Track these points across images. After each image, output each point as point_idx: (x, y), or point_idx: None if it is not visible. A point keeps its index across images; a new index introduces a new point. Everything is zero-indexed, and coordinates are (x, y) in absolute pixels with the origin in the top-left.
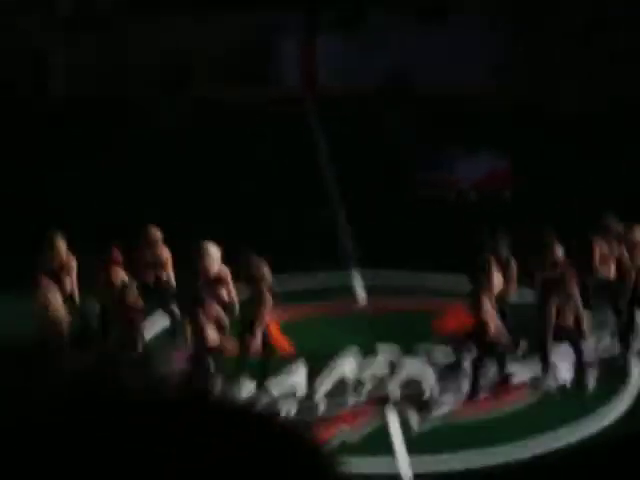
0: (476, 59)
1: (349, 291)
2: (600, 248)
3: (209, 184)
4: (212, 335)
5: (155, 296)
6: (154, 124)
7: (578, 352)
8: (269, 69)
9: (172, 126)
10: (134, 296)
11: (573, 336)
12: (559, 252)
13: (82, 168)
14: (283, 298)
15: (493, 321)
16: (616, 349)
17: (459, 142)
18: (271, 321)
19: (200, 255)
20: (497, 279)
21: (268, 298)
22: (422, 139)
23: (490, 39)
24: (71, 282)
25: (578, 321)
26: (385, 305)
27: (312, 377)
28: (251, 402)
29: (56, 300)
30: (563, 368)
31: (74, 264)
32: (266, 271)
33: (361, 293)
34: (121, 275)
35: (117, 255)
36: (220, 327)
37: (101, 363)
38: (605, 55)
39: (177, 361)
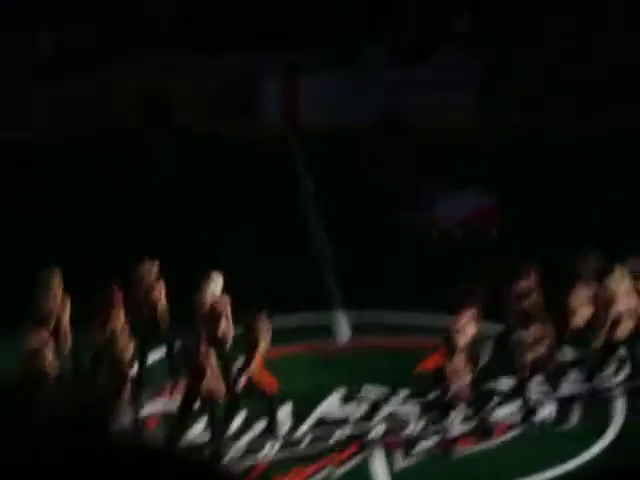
0: (460, 94)
1: (334, 330)
2: (576, 296)
3: (192, 219)
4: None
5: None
6: (139, 159)
7: (554, 387)
8: (253, 107)
9: (156, 161)
10: (126, 342)
11: (550, 371)
12: (530, 284)
13: (57, 204)
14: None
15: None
16: (596, 385)
17: (445, 179)
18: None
19: (198, 289)
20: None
21: (262, 346)
22: (408, 177)
23: (474, 72)
24: (65, 322)
25: (551, 356)
26: (370, 344)
27: (296, 416)
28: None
29: (46, 345)
30: (544, 404)
31: (68, 304)
32: (264, 323)
33: (346, 332)
34: (120, 317)
35: (118, 296)
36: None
37: (83, 408)
38: (586, 87)
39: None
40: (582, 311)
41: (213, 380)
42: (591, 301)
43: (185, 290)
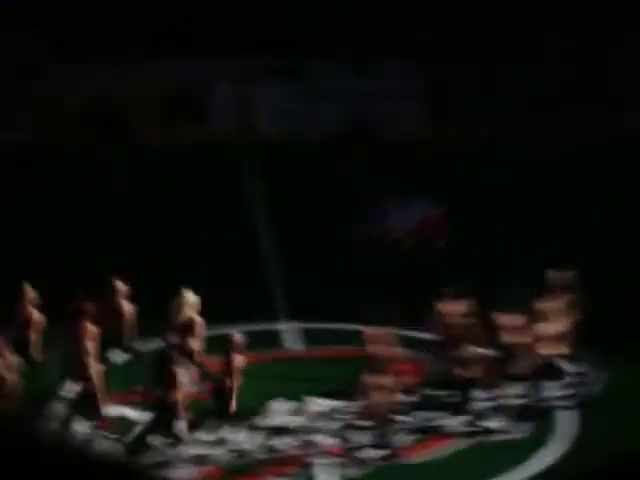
0: (411, 106)
1: (283, 340)
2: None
3: (145, 227)
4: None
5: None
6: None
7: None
8: (206, 113)
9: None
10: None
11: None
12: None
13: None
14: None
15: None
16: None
17: (395, 190)
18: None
19: (172, 305)
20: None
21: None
22: (363, 187)
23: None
24: (37, 336)
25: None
26: (319, 353)
27: (242, 424)
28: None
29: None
30: (489, 416)
31: (42, 318)
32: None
33: (295, 342)
34: (91, 331)
35: (90, 309)
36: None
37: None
38: (546, 99)
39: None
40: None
41: (183, 391)
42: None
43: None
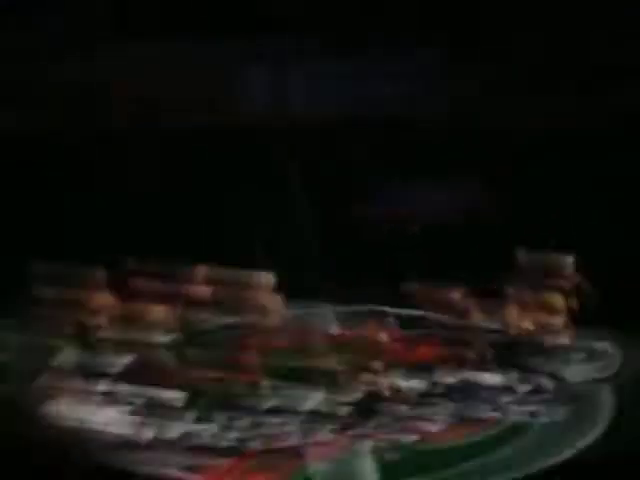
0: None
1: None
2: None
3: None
4: None
5: None
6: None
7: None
8: (239, 96)
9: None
10: None
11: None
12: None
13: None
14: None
15: None
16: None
17: (403, 174)
18: None
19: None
20: None
21: None
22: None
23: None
24: None
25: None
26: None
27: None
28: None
29: None
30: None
31: None
32: None
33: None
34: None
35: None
36: None
37: None
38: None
39: None
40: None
41: None
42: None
43: None
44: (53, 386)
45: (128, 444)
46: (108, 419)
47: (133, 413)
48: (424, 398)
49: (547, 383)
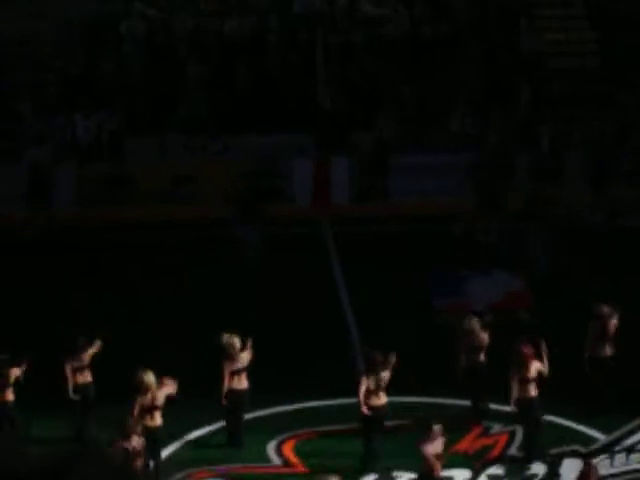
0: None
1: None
2: None
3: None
4: None
5: None
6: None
7: None
8: (283, 188)
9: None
10: None
11: None
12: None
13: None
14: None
15: None
16: None
17: (471, 264)
18: None
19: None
20: None
21: None
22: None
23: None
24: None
25: None
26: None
27: None
28: None
29: None
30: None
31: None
32: None
33: None
34: None
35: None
36: None
37: None
38: None
39: None
40: None
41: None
42: None
43: None
44: None
45: None
46: None
47: None
48: None
49: None
